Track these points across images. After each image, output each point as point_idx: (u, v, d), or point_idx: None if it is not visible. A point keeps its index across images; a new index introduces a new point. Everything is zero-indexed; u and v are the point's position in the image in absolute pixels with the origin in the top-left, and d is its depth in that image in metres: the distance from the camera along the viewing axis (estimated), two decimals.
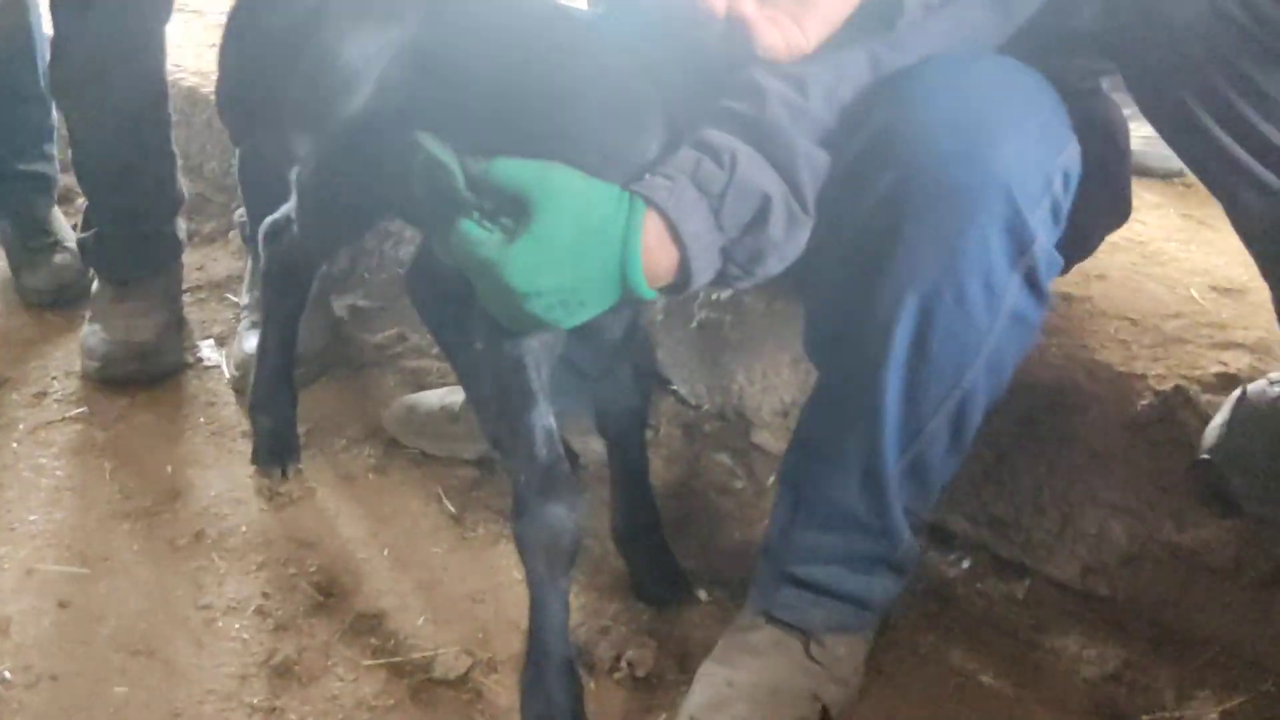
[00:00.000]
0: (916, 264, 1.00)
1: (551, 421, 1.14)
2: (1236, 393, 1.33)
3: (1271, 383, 1.32)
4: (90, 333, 1.92)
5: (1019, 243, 0.99)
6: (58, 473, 1.68)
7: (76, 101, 1.83)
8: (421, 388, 1.89)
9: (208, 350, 2.03)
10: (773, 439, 1.70)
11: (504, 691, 1.30)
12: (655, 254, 1.00)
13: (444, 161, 0.99)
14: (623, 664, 1.32)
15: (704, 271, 1.02)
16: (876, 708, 1.29)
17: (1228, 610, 1.34)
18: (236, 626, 1.39)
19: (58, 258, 2.11)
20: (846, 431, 1.12)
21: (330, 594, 1.44)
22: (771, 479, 1.67)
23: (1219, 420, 1.32)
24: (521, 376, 1.13)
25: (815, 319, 1.16)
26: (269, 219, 1.63)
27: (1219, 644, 1.33)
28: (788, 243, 1.01)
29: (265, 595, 1.44)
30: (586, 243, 0.98)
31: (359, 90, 1.19)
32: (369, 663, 1.33)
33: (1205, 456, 1.30)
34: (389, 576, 1.49)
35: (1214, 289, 1.68)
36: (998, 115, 0.97)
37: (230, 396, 1.90)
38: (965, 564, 1.49)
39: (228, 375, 1.94)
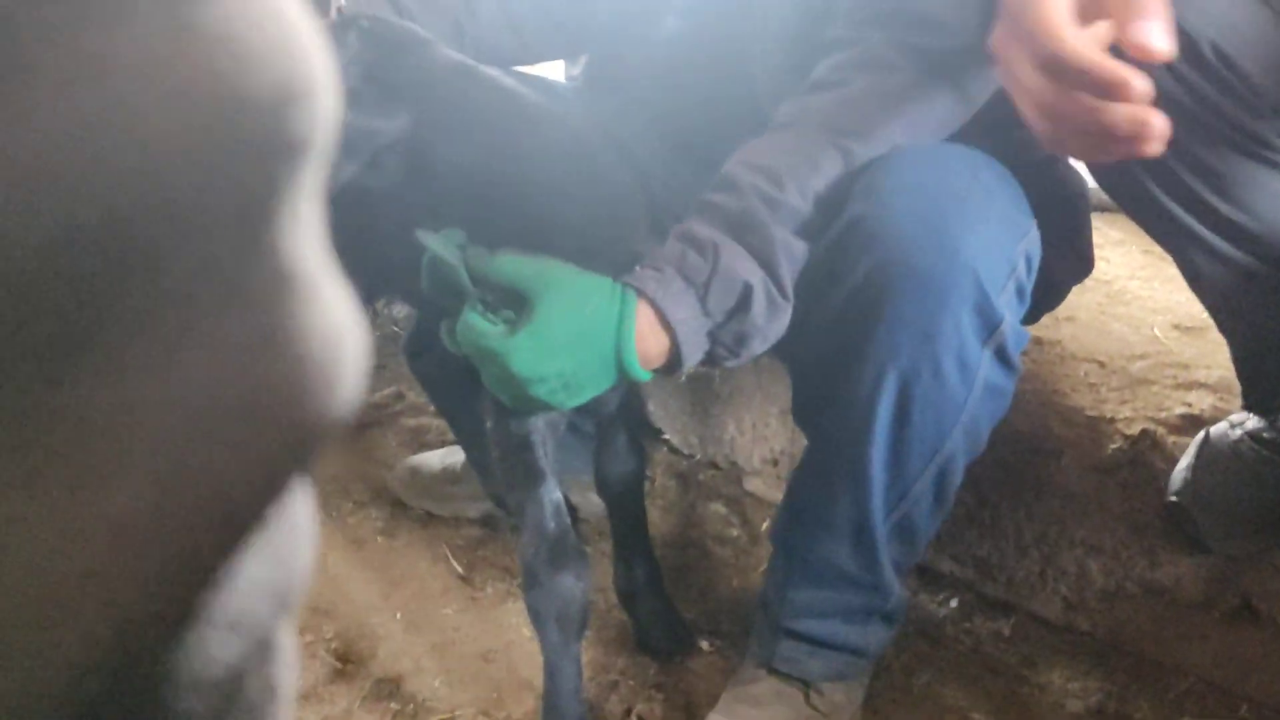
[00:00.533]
0: (895, 344, 1.07)
1: (559, 495, 1.21)
2: (1200, 436, 1.41)
3: (1233, 425, 1.40)
4: None
5: (988, 323, 1.07)
6: None
7: None
8: (423, 445, 1.96)
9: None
10: (764, 486, 1.78)
11: None
12: (648, 340, 1.07)
13: (448, 259, 1.06)
14: (633, 718, 1.39)
15: (693, 354, 1.09)
16: None
17: (1202, 642, 1.42)
18: None
19: None
20: (836, 497, 1.19)
21: (348, 660, 1.51)
22: (765, 525, 1.75)
23: (1184, 463, 1.40)
24: (529, 454, 1.20)
25: (801, 389, 1.24)
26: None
27: (1194, 674, 1.41)
28: (769, 325, 1.09)
29: None
30: (584, 333, 1.05)
31: (350, 162, 1.27)
32: None
33: (1173, 498, 1.38)
34: (403, 639, 1.55)
35: (1176, 327, 1.77)
36: (963, 207, 1.05)
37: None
38: (953, 604, 1.56)
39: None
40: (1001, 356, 1.10)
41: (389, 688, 1.46)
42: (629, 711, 1.40)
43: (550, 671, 1.24)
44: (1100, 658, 1.46)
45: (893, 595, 1.27)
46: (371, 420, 2.06)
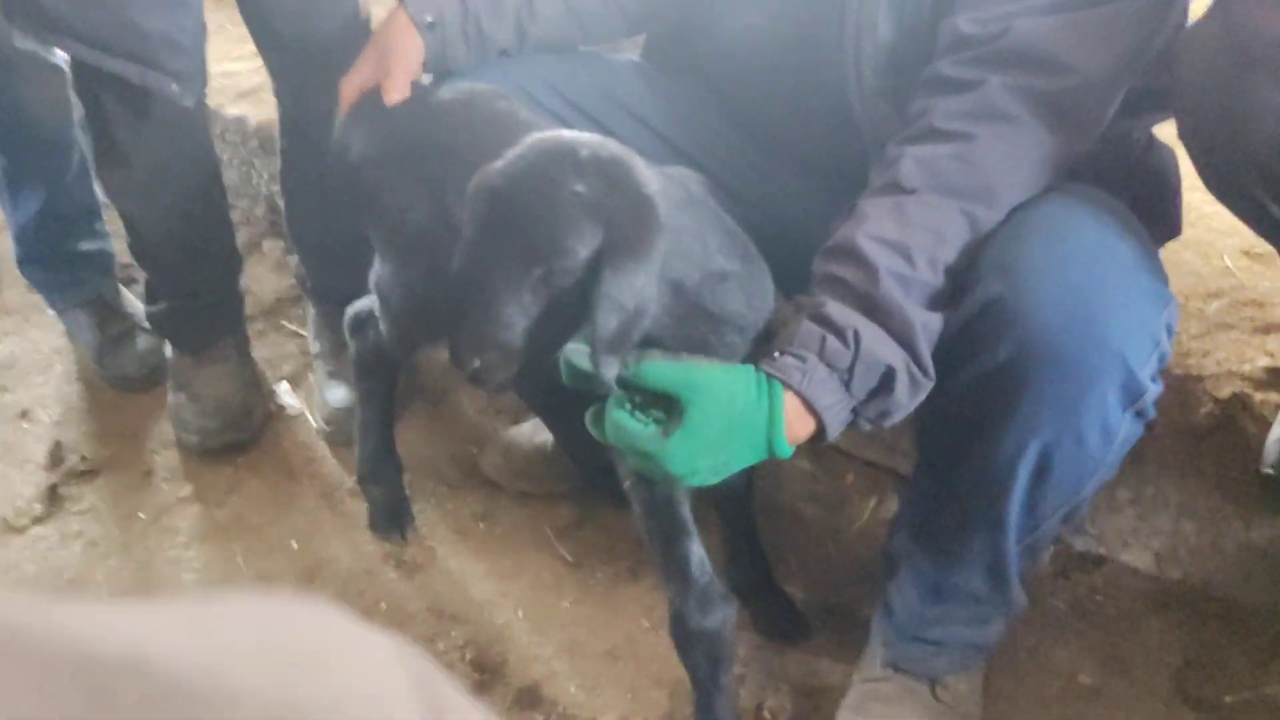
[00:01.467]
0: (1038, 419, 1.10)
1: (700, 548, 1.27)
2: None
3: None
4: (178, 404, 1.99)
5: (1133, 396, 1.09)
6: (194, 564, 1.79)
7: (138, 202, 1.85)
8: (499, 412, 1.99)
9: (286, 396, 2.11)
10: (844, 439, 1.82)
11: None
12: (795, 426, 1.10)
13: (592, 372, 1.08)
14: (765, 713, 1.49)
15: (837, 430, 1.13)
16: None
17: None
18: None
19: (141, 342, 2.15)
20: (970, 537, 1.25)
21: (484, 669, 1.59)
22: (850, 477, 1.81)
23: (1276, 434, 1.45)
24: (673, 511, 1.25)
25: (929, 435, 1.27)
26: (352, 310, 1.70)
27: None
28: (911, 401, 1.11)
29: None
30: (735, 429, 1.08)
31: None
32: None
33: (1269, 470, 1.44)
34: (530, 641, 1.63)
35: (1246, 254, 1.78)
36: (1105, 287, 1.06)
37: (323, 448, 2.00)
38: (1046, 559, 1.64)
39: (315, 426, 2.03)
40: (1141, 414, 1.13)
41: (530, 697, 1.55)
42: (759, 707, 1.50)
43: (702, 704, 1.33)
44: (1193, 608, 1.55)
45: (1018, 603, 1.34)
46: (445, 386, 2.08)
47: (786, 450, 1.10)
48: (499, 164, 1.06)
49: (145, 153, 1.76)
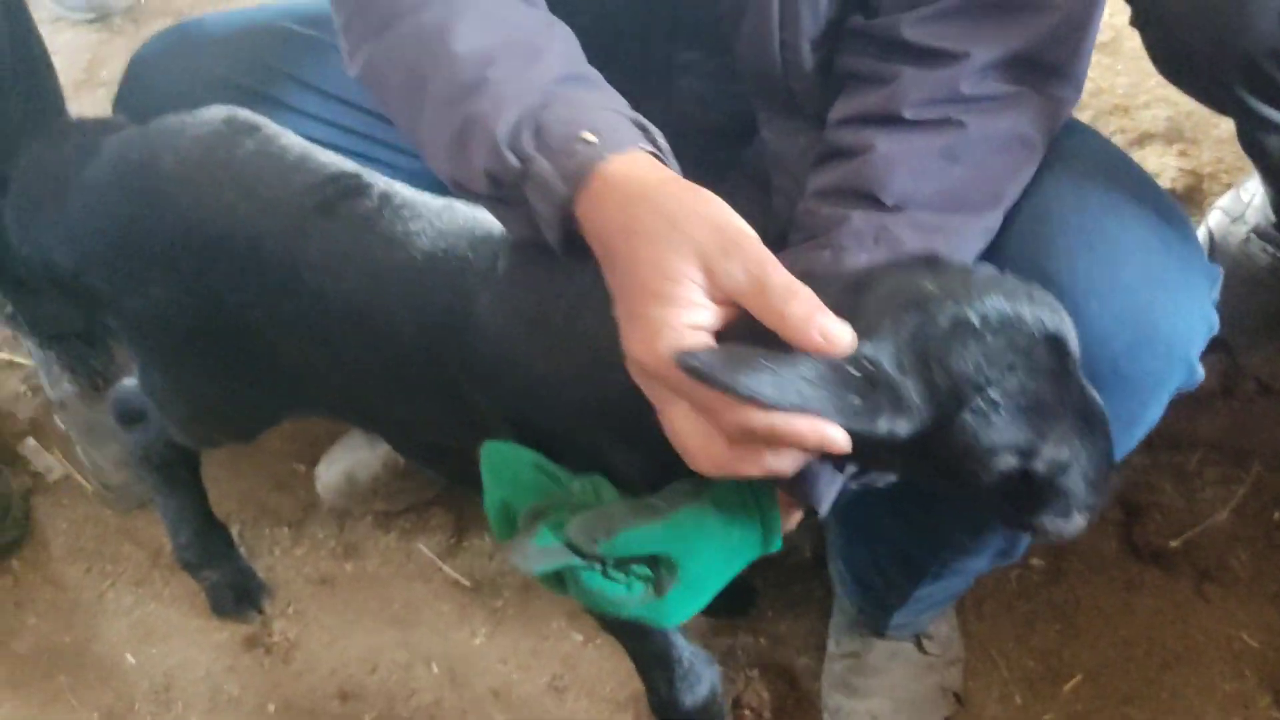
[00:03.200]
0: None
1: (682, 639, 1.10)
2: (1202, 233, 1.37)
3: (1233, 220, 1.35)
4: None
5: (1186, 387, 0.94)
6: None
7: None
8: (314, 441, 1.67)
9: (35, 456, 1.71)
10: None
11: None
12: (787, 520, 0.92)
13: (560, 560, 0.85)
14: (745, 711, 1.36)
15: (829, 506, 0.95)
16: None
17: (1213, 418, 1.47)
18: None
19: None
20: (988, 536, 1.11)
21: None
22: None
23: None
24: (667, 643, 1.11)
25: None
26: (117, 397, 1.33)
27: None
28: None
29: None
30: (734, 558, 0.90)
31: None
32: None
33: None
34: (454, 700, 1.43)
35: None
36: (1164, 283, 0.88)
37: (110, 517, 1.65)
38: None
39: (90, 489, 1.66)
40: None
41: None
42: (737, 703, 1.37)
43: None
44: (1124, 461, 1.50)
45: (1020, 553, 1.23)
46: None
47: (779, 546, 0.92)
48: None
49: None
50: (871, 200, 0.88)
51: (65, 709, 1.46)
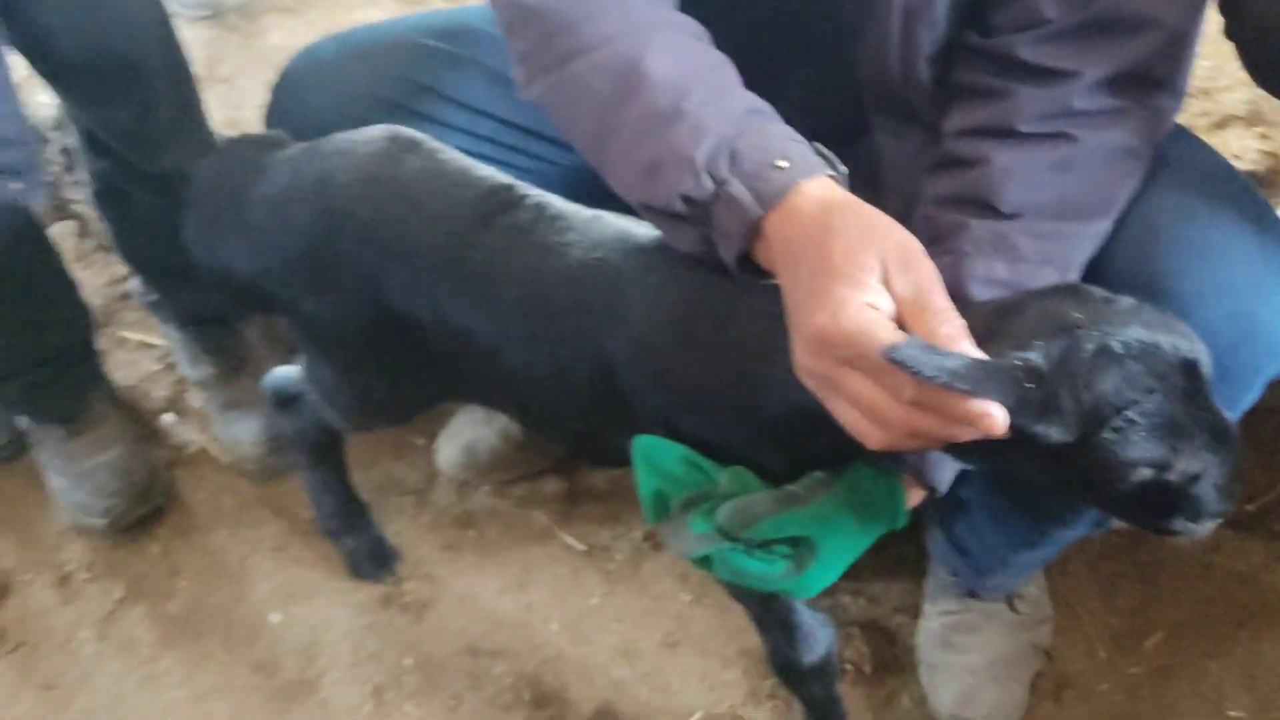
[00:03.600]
0: None
1: (801, 603, 1.20)
2: None
3: None
4: (66, 489, 1.71)
5: None
6: (176, 676, 1.59)
7: None
8: (433, 416, 1.78)
9: (175, 430, 1.85)
10: None
11: None
12: (911, 499, 1.02)
13: (711, 545, 0.95)
14: (848, 666, 1.47)
15: (948, 486, 1.05)
16: None
17: None
18: None
19: None
20: (1084, 511, 1.21)
21: (547, 703, 1.50)
22: None
23: None
24: (793, 614, 1.20)
25: None
26: (273, 383, 1.45)
27: None
28: None
29: None
30: (865, 534, 1.00)
31: None
32: None
33: None
34: (579, 655, 1.55)
35: None
36: (1262, 288, 0.96)
37: (246, 487, 1.78)
38: None
39: (227, 462, 1.79)
40: None
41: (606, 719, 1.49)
42: (839, 658, 1.47)
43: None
44: None
45: None
46: None
47: (905, 522, 1.02)
48: None
49: None
50: (989, 209, 0.97)
51: (218, 665, 1.60)
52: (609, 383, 1.02)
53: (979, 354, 0.78)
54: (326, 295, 1.13)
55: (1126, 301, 0.81)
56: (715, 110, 0.92)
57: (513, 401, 1.16)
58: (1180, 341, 0.79)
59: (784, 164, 0.88)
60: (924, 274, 0.81)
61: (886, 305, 0.80)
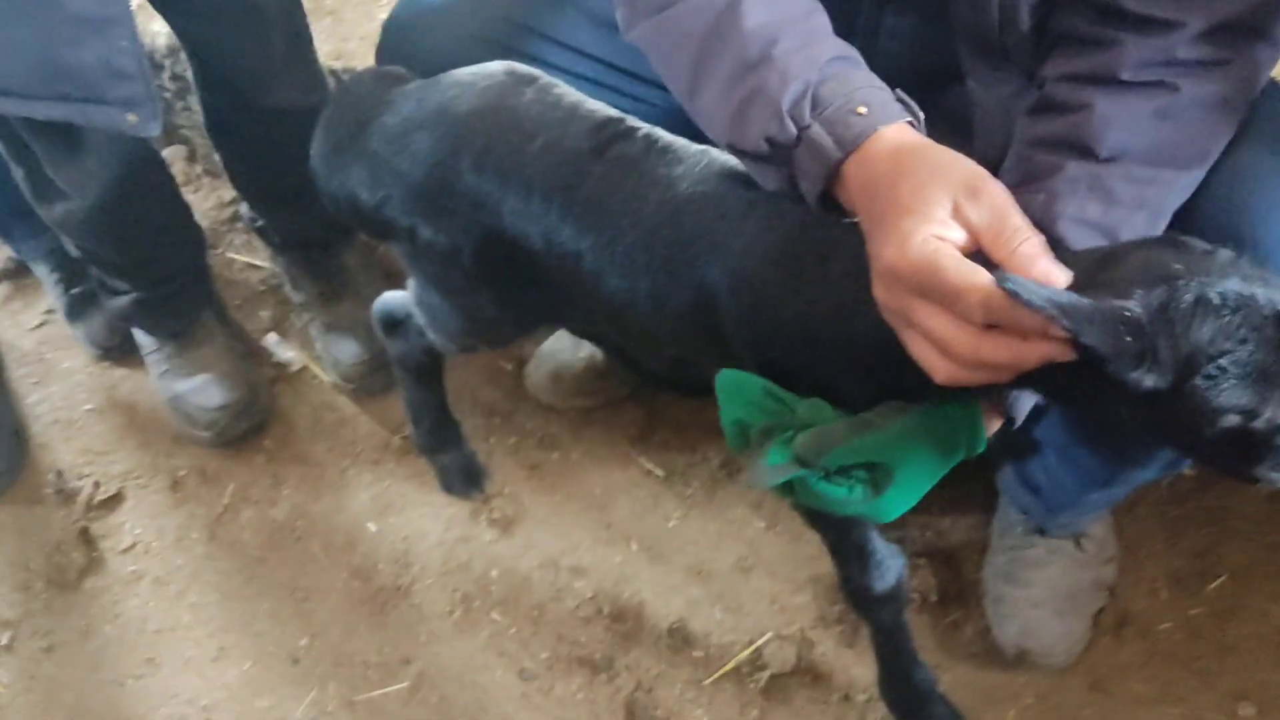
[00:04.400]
0: None
1: (874, 532, 1.25)
2: None
3: None
4: (176, 399, 1.83)
5: None
6: (278, 576, 1.71)
7: (87, 232, 1.64)
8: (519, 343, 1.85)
9: (278, 349, 1.95)
10: None
11: (838, 659, 1.51)
12: (989, 427, 1.06)
13: (791, 472, 1.01)
14: (914, 594, 1.53)
15: (1023, 418, 1.09)
16: None
17: None
18: (573, 687, 1.55)
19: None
20: (1157, 454, 1.25)
21: (625, 618, 1.59)
22: None
23: None
24: (865, 539, 1.26)
25: None
26: (381, 308, 1.53)
27: None
28: None
29: (574, 643, 1.58)
30: (943, 461, 1.04)
31: None
32: (711, 680, 1.53)
33: None
34: (656, 574, 1.63)
35: None
36: None
37: (345, 404, 1.88)
38: None
39: (327, 380, 1.89)
40: None
41: (680, 635, 1.56)
42: None
43: (890, 650, 1.36)
44: None
45: None
46: None
47: (984, 448, 1.07)
48: None
49: (91, 188, 1.51)
50: (1087, 152, 0.99)
51: (319, 568, 1.71)
52: (708, 311, 1.08)
53: (1063, 271, 0.81)
54: (443, 220, 1.20)
55: (1226, 254, 0.83)
56: (802, 57, 0.96)
57: (614, 326, 1.22)
58: (1276, 295, 0.80)
59: (864, 110, 0.92)
60: (996, 198, 0.83)
61: (956, 236, 0.83)
